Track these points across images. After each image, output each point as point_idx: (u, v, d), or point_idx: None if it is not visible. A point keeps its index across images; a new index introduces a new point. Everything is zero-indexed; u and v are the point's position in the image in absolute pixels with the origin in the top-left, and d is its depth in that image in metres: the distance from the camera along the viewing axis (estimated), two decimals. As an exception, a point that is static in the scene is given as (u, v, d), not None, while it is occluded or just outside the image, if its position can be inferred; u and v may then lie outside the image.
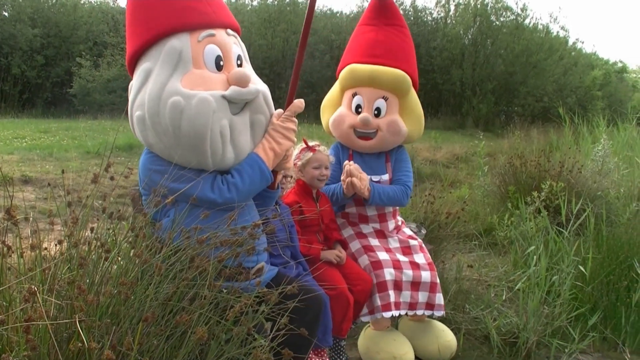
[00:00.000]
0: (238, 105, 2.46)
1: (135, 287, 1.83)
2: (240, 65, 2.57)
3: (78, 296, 1.67)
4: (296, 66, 2.66)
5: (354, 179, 3.28)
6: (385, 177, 3.59)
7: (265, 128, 2.58)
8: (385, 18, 3.55)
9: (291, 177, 3.24)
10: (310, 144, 3.31)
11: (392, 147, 3.61)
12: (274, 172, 2.66)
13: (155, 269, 1.81)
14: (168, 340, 1.83)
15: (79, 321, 1.57)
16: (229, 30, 2.58)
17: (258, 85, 2.55)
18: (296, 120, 2.63)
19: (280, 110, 2.62)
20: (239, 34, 2.68)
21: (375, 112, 3.46)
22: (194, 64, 2.42)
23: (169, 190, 2.28)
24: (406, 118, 3.52)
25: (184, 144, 2.34)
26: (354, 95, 3.49)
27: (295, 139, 2.63)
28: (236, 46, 2.59)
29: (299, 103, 2.63)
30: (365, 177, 3.34)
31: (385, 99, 3.45)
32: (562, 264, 3.87)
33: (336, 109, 3.58)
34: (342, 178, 3.32)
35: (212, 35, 2.47)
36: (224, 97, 2.38)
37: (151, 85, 2.37)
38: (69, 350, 1.64)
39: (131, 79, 2.55)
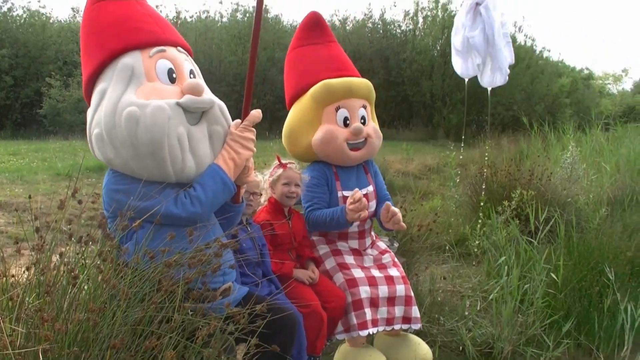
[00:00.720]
0: (194, 115, 2.47)
1: (104, 313, 1.81)
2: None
3: (44, 325, 1.64)
4: (249, 75, 2.66)
5: (398, 217, 3.34)
6: (370, 188, 3.61)
7: (224, 139, 2.58)
8: (326, 35, 3.65)
9: (260, 194, 3.22)
10: (284, 161, 3.31)
11: (376, 153, 3.65)
12: (237, 186, 2.65)
13: (122, 294, 1.79)
14: (139, 365, 1.81)
15: (44, 350, 1.55)
16: (180, 48, 2.64)
17: (212, 97, 2.58)
18: (254, 130, 2.64)
19: (238, 121, 2.63)
20: (190, 55, 2.73)
21: (362, 120, 3.48)
22: (147, 78, 2.46)
23: (134, 210, 2.27)
24: (375, 123, 3.64)
25: (143, 153, 2.34)
26: (337, 109, 3.44)
27: (255, 149, 2.62)
28: (188, 62, 2.63)
29: (257, 113, 2.64)
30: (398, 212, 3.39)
31: (365, 107, 3.51)
32: (534, 272, 3.91)
33: (316, 128, 3.46)
34: (348, 206, 3.19)
35: (163, 50, 2.53)
36: (178, 104, 2.40)
37: (106, 102, 2.40)
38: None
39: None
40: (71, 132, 17.37)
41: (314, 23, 3.63)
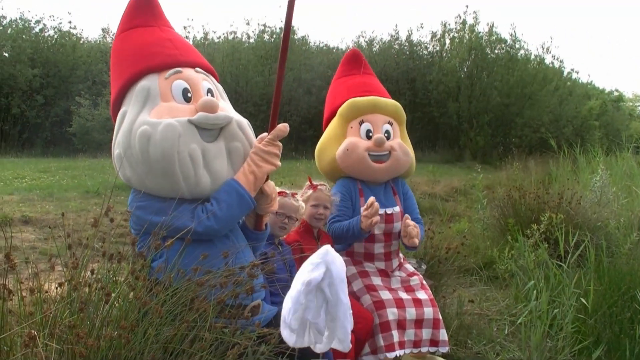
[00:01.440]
0: (211, 132, 2.50)
1: (136, 330, 1.82)
2: None
3: (78, 341, 1.66)
4: (277, 89, 2.65)
5: (410, 229, 3.36)
6: (397, 209, 3.62)
7: (244, 155, 2.59)
8: (363, 68, 3.82)
9: (297, 219, 3.23)
10: (315, 183, 3.33)
11: (403, 170, 3.66)
12: (260, 216, 2.68)
13: (154, 312, 1.81)
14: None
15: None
16: (198, 69, 2.69)
17: (231, 113, 2.60)
18: (280, 144, 2.61)
19: (264, 135, 2.63)
20: (213, 75, 2.79)
21: (385, 134, 3.53)
22: (162, 98, 2.53)
23: (149, 224, 2.33)
24: (406, 145, 3.66)
25: (155, 170, 2.39)
26: (361, 123, 3.55)
27: (279, 164, 2.61)
28: (206, 82, 2.68)
29: (283, 127, 2.60)
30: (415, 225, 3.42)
31: (390, 123, 3.59)
32: (564, 296, 3.85)
33: (340, 143, 3.56)
34: (362, 212, 3.25)
35: (179, 72, 2.59)
36: (190, 122, 2.43)
37: (125, 124, 2.49)
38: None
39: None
40: (100, 151, 17.58)
41: (352, 57, 3.88)
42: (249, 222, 2.77)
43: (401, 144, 3.57)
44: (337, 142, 3.59)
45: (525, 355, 3.60)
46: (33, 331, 1.66)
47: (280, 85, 2.65)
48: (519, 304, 4.36)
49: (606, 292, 4.17)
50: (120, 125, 2.53)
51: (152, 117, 2.44)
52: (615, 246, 5.43)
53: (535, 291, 3.89)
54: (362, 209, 3.27)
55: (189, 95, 2.56)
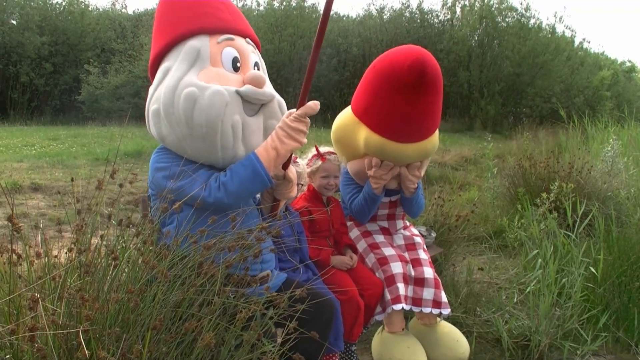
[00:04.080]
0: (253, 106, 2.48)
1: (144, 294, 1.82)
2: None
3: (83, 305, 1.66)
4: (310, 65, 2.45)
5: (404, 170, 3.29)
6: (397, 197, 3.61)
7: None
8: (425, 89, 2.88)
9: (302, 184, 3.21)
10: (322, 151, 3.29)
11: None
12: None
13: (161, 276, 1.80)
14: (178, 348, 1.82)
15: (85, 330, 1.57)
16: (248, 40, 2.66)
17: (273, 91, 2.59)
18: (308, 121, 2.47)
19: (292, 110, 2.49)
20: (258, 48, 2.76)
21: None
22: (212, 62, 2.50)
23: (169, 190, 2.30)
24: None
25: (196, 134, 2.37)
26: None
27: (305, 141, 2.48)
28: (254, 54, 2.66)
29: (313, 104, 2.45)
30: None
31: None
32: (572, 265, 3.84)
33: (356, 158, 3.39)
34: (369, 174, 3.27)
35: (231, 39, 2.56)
36: (238, 92, 2.41)
37: (168, 80, 2.44)
38: (77, 359, 1.63)
39: (144, 83, 2.60)
40: (109, 119, 17.62)
41: (417, 77, 2.82)
42: (265, 203, 2.75)
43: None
44: (352, 155, 3.41)
45: (534, 323, 3.60)
46: (36, 294, 1.66)
47: (315, 62, 2.44)
48: (528, 272, 4.35)
49: (615, 261, 4.16)
50: (161, 80, 2.49)
51: (199, 79, 2.42)
52: (625, 216, 5.40)
53: (540, 260, 3.88)
54: (369, 172, 3.27)
55: (238, 65, 2.54)
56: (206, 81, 2.41)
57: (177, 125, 2.40)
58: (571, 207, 4.44)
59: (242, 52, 2.57)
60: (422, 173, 3.39)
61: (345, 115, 3.38)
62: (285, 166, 2.57)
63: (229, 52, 2.54)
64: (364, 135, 3.18)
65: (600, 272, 4.03)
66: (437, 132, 3.26)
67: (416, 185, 3.40)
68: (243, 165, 2.39)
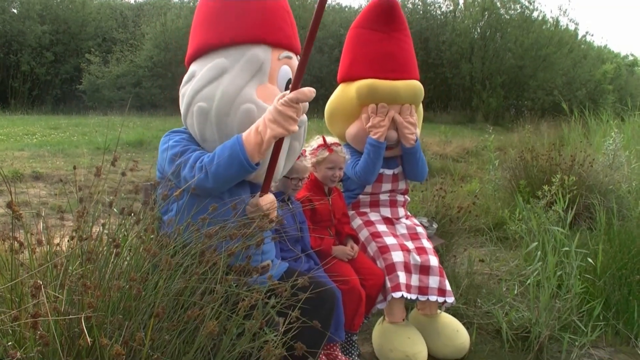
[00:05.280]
0: None
1: (147, 282, 1.82)
2: None
3: (84, 292, 1.66)
4: (305, 51, 2.34)
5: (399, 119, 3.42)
6: (399, 169, 3.66)
7: (296, 153, 2.63)
8: (393, 24, 3.47)
9: (307, 177, 3.21)
10: (329, 142, 3.29)
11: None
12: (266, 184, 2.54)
13: (164, 264, 1.80)
14: (180, 336, 1.82)
15: (86, 317, 1.57)
16: (298, 56, 2.66)
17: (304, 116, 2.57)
18: (299, 108, 2.32)
19: (286, 92, 2.37)
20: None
21: None
22: (269, 79, 2.52)
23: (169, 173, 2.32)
24: (418, 122, 3.64)
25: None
26: None
27: (294, 129, 2.32)
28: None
29: (307, 91, 2.31)
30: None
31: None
32: (571, 258, 3.84)
33: (352, 121, 3.55)
34: (367, 126, 3.40)
35: (290, 57, 2.58)
36: None
37: (226, 83, 2.42)
38: (79, 346, 1.63)
39: (145, 73, 2.58)
40: (110, 108, 17.61)
41: (383, 10, 3.44)
42: None
43: None
44: (348, 119, 3.58)
45: (534, 315, 3.61)
46: (39, 281, 1.66)
47: (310, 48, 2.33)
48: (528, 264, 4.35)
49: (616, 254, 4.17)
50: (216, 78, 2.44)
51: (258, 96, 2.43)
52: (626, 209, 5.40)
53: (539, 252, 3.89)
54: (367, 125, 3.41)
55: (289, 85, 2.49)
56: (263, 100, 2.43)
57: (227, 136, 2.40)
58: (564, 201, 4.40)
59: (294, 72, 2.51)
60: (416, 120, 3.50)
61: (334, 92, 3.69)
62: (264, 189, 2.49)
63: (286, 72, 2.56)
64: (354, 88, 3.47)
65: (599, 264, 4.04)
66: (422, 86, 3.56)
67: (414, 133, 3.45)
68: (225, 147, 2.34)
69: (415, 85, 3.48)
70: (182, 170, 2.35)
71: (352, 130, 3.54)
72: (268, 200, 2.42)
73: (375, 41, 3.46)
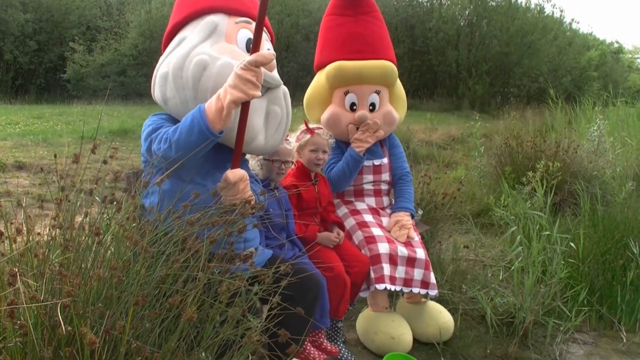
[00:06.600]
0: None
1: (128, 270, 1.80)
2: None
3: (61, 280, 1.65)
4: (261, 7, 2.36)
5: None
6: (385, 160, 3.65)
7: (281, 123, 2.61)
8: (359, 7, 3.54)
9: (292, 162, 3.19)
10: (311, 126, 3.28)
11: (387, 135, 3.68)
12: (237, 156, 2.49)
13: (142, 251, 1.79)
14: (162, 324, 1.81)
15: (65, 306, 1.55)
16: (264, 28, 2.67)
17: (280, 79, 2.61)
18: (259, 72, 2.29)
19: (247, 57, 2.34)
20: (271, 40, 2.83)
21: (370, 107, 3.52)
22: (227, 39, 2.57)
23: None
24: (395, 105, 3.63)
25: (200, 98, 2.39)
26: (346, 93, 3.51)
27: (255, 94, 2.26)
28: (267, 42, 2.70)
29: (267, 53, 2.31)
30: None
31: (378, 92, 3.52)
32: (555, 243, 3.86)
33: (326, 106, 3.57)
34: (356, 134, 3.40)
35: (249, 22, 2.63)
36: None
37: (181, 47, 2.51)
38: (59, 336, 1.62)
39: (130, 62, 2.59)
40: (94, 97, 17.46)
41: None
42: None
43: (387, 114, 3.55)
44: (322, 104, 3.60)
45: (519, 301, 3.63)
46: (14, 268, 1.64)
47: (265, 7, 2.37)
48: (512, 250, 4.37)
49: (600, 239, 4.20)
50: (175, 47, 2.54)
51: (213, 51, 2.47)
52: (610, 195, 5.44)
53: (519, 236, 3.90)
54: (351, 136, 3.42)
55: (250, 46, 2.51)
56: (219, 53, 2.46)
57: (183, 89, 2.42)
58: (543, 187, 4.41)
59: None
60: (378, 135, 3.49)
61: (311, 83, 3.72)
62: (234, 162, 2.44)
63: (245, 34, 2.60)
64: (324, 73, 3.53)
65: (581, 249, 4.07)
66: (394, 67, 3.56)
67: (362, 147, 3.43)
68: (188, 115, 2.29)
69: (383, 64, 3.49)
70: (152, 145, 2.35)
71: (325, 115, 3.55)
72: (238, 174, 2.36)
73: (342, 24, 3.54)
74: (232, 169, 2.41)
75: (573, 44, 24.28)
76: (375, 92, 3.51)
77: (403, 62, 20.51)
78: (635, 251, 4.01)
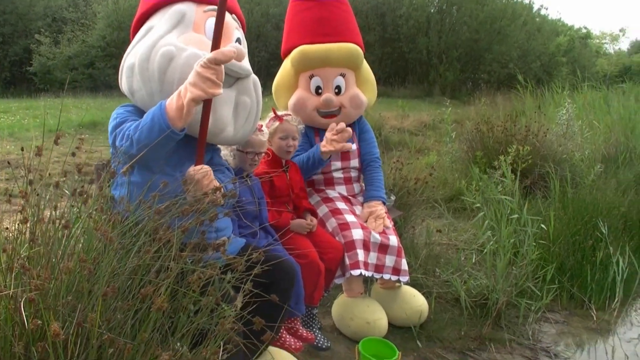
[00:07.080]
0: (228, 78, 2.42)
1: (99, 263, 1.79)
2: None
3: (24, 274, 1.63)
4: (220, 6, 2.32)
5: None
6: (354, 146, 3.62)
7: (251, 114, 2.58)
8: None
9: (265, 153, 3.17)
10: (280, 113, 3.26)
11: (355, 119, 3.66)
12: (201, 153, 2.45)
13: (108, 241, 1.77)
14: (136, 315, 1.79)
15: (31, 301, 1.54)
16: (234, 16, 2.66)
17: (250, 69, 2.58)
18: (220, 70, 2.22)
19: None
20: (242, 28, 2.77)
21: (336, 90, 3.51)
22: (194, 28, 2.51)
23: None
24: (363, 88, 3.61)
25: (166, 90, 2.33)
26: (311, 77, 3.50)
27: (216, 92, 2.20)
28: (237, 30, 2.65)
29: (227, 50, 2.22)
30: None
31: (343, 75, 3.52)
32: (526, 225, 3.91)
33: (293, 92, 3.56)
34: (328, 136, 3.29)
35: None
36: None
37: (148, 37, 2.45)
38: (31, 331, 1.60)
39: (99, 54, 2.54)
40: (62, 90, 17.21)
41: None
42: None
43: (353, 97, 3.53)
44: (289, 90, 3.60)
45: (491, 283, 3.68)
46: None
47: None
48: (484, 233, 4.42)
49: (570, 221, 4.27)
50: (142, 37, 2.48)
51: (180, 41, 2.42)
52: (579, 177, 5.52)
53: (487, 220, 3.95)
54: (327, 133, 3.31)
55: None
56: (186, 44, 2.40)
57: (149, 81, 2.37)
58: (508, 169, 4.46)
59: (225, 25, 2.47)
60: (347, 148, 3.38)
61: (279, 71, 3.70)
62: (198, 158, 2.41)
63: (213, 23, 2.46)
64: (289, 58, 3.53)
65: (552, 231, 4.13)
66: (359, 49, 3.54)
67: (329, 152, 3.33)
68: (149, 112, 2.25)
69: (347, 47, 3.48)
70: (116, 140, 2.30)
71: (292, 100, 3.54)
72: (200, 172, 2.33)
73: (307, 9, 3.54)
74: (195, 165, 2.39)
75: (542, 30, 24.56)
76: (341, 74, 3.50)
77: (374, 50, 20.57)
78: (604, 231, 4.10)
